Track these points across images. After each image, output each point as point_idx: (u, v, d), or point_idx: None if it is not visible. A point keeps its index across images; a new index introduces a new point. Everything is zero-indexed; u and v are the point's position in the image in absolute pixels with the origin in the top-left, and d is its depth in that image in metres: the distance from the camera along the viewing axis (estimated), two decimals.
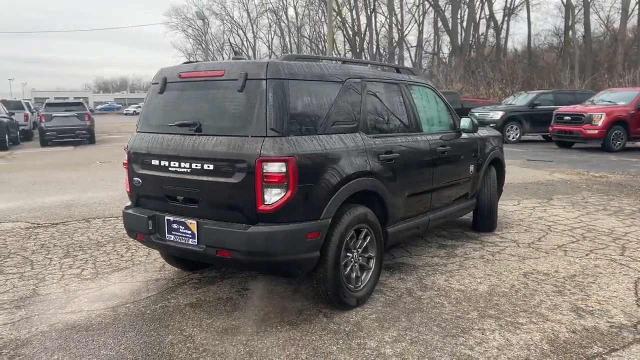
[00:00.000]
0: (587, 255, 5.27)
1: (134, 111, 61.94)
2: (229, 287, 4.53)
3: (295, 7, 59.16)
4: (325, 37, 49.76)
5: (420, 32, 48.63)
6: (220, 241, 3.63)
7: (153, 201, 4.09)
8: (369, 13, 48.58)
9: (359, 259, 4.09)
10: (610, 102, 16.08)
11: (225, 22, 65.95)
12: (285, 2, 59.54)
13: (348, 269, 3.98)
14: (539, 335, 3.57)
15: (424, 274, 4.78)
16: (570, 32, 38.98)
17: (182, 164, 3.81)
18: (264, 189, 3.48)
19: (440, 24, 44.62)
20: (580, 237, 5.93)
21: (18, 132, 21.22)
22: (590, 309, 3.99)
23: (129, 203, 4.38)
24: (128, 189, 4.32)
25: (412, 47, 50.56)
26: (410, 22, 50.14)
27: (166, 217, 3.93)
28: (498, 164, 6.33)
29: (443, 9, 42.93)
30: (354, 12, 50.06)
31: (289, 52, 59.61)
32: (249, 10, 63.57)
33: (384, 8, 48.92)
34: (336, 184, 3.74)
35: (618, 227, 6.37)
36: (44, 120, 19.48)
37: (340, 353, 3.36)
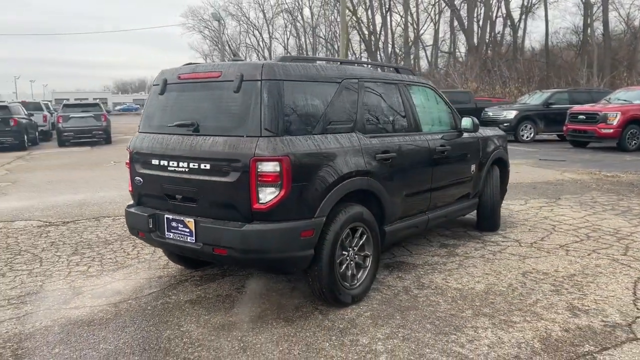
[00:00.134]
0: (589, 254, 5.26)
1: None
2: (229, 284, 4.61)
3: (310, 8, 59.28)
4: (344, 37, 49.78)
5: (437, 31, 48.39)
6: (217, 239, 3.71)
7: (153, 200, 4.19)
8: (384, 13, 48.45)
9: (355, 257, 4.14)
10: (625, 100, 15.87)
11: (241, 23, 66.32)
12: (300, 3, 59.68)
13: (343, 267, 4.03)
14: (531, 333, 3.59)
15: (422, 272, 4.82)
16: (588, 30, 38.48)
17: (181, 164, 3.90)
18: (258, 188, 3.56)
19: (456, 22, 44.34)
20: (584, 237, 5.90)
21: (37, 133, 21.66)
22: (586, 308, 3.99)
23: (131, 202, 4.49)
24: (130, 188, 4.43)
25: (427, 46, 50.34)
26: (426, 21, 49.96)
27: (166, 216, 4.03)
28: (502, 164, 6.32)
29: (459, 7, 42.64)
30: (369, 11, 49.96)
31: (305, 52, 59.85)
32: (265, 11, 63.85)
33: (400, 7, 48.80)
34: (330, 183, 3.80)
35: (624, 227, 6.33)
36: (62, 121, 19.84)
37: (332, 349, 3.42)
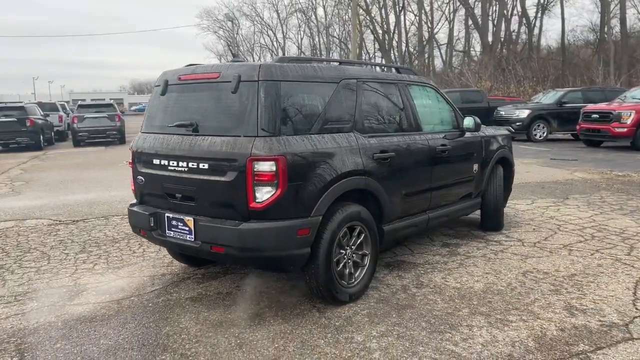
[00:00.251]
0: (592, 254, 5.23)
1: None
2: (230, 282, 4.68)
3: (324, 7, 59.35)
4: (356, 37, 49.73)
5: (451, 30, 48.16)
6: (215, 237, 3.78)
7: (155, 199, 4.27)
8: (397, 12, 48.31)
9: (352, 256, 4.17)
10: None
11: (255, 23, 66.59)
12: (314, 2, 59.76)
13: (341, 265, 4.07)
14: (526, 332, 3.60)
15: (422, 271, 4.84)
16: (605, 28, 37.98)
17: (180, 163, 3.97)
18: (255, 187, 3.61)
19: (470, 21, 44.05)
20: (589, 237, 5.87)
21: (52, 133, 21.99)
22: (584, 307, 3.99)
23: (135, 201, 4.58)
24: (133, 187, 4.51)
25: (442, 45, 50.09)
26: (440, 19, 49.72)
27: (166, 214, 4.10)
28: (506, 164, 6.30)
29: (473, 5, 42.36)
30: (383, 10, 49.87)
31: (318, 52, 59.90)
32: (279, 11, 64.05)
33: (414, 6, 48.64)
34: (327, 182, 3.84)
35: (630, 227, 6.27)
36: (76, 121, 20.12)
37: (327, 346, 3.46)
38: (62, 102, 30.89)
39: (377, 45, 52.85)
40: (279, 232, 3.67)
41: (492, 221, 6.07)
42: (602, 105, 16.07)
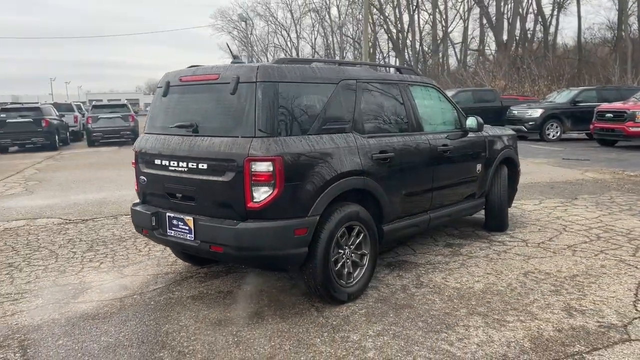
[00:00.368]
0: (596, 255, 5.20)
1: None
2: (232, 281, 4.73)
3: (338, 7, 59.33)
4: (369, 36, 49.68)
5: (465, 29, 47.84)
6: (213, 237, 3.83)
7: (156, 198, 4.34)
8: (411, 11, 48.14)
9: (351, 256, 4.20)
10: None
11: (269, 23, 66.81)
12: (328, 2, 59.81)
13: (339, 264, 4.10)
14: (522, 332, 3.60)
15: (423, 271, 4.85)
16: (623, 26, 37.44)
17: (181, 164, 4.03)
18: (252, 187, 3.66)
19: (485, 20, 43.73)
20: (594, 238, 5.82)
21: (68, 133, 22.30)
22: (583, 308, 3.97)
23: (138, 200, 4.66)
24: (136, 187, 4.59)
25: (456, 44, 49.80)
26: (454, 18, 49.42)
27: (167, 214, 4.16)
28: (511, 164, 6.27)
29: (487, 4, 42.03)
30: (397, 10, 49.72)
31: (332, 52, 59.88)
32: (292, 11, 64.21)
33: (428, 5, 48.42)
34: (324, 182, 3.88)
35: (638, 227, 6.21)
36: (91, 121, 20.40)
37: (322, 345, 3.50)
38: (78, 103, 31.29)
39: (390, 45, 52.72)
40: (276, 232, 3.71)
41: (497, 221, 6.06)
42: (616, 104, 15.88)
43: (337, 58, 56.12)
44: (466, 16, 47.75)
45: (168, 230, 4.17)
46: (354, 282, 4.21)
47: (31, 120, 18.95)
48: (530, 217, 6.85)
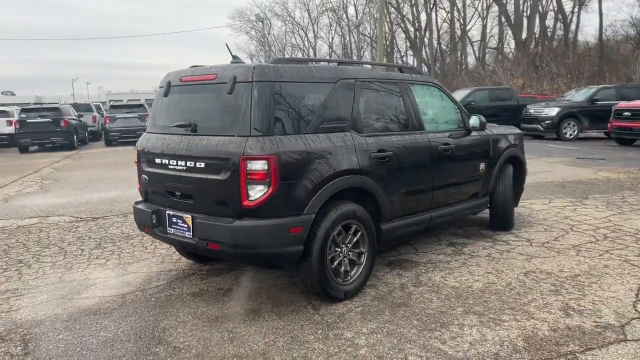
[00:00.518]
0: (600, 255, 5.14)
1: None
2: (233, 278, 4.79)
3: (355, 6, 59.20)
4: (386, 35, 49.54)
5: (484, 27, 47.37)
6: (210, 234, 3.89)
7: (157, 197, 4.41)
8: (429, 10, 47.82)
9: (348, 254, 4.22)
10: None
11: (287, 23, 66.96)
12: (345, 1, 59.68)
13: (336, 263, 4.12)
14: (517, 332, 3.58)
15: (423, 270, 4.84)
16: None
17: (179, 162, 4.09)
18: (247, 186, 3.71)
19: (504, 18, 43.25)
20: (601, 237, 5.76)
21: (86, 133, 22.68)
22: (582, 308, 3.94)
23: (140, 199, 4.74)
24: (139, 186, 4.67)
25: (474, 42, 49.33)
26: (472, 16, 48.96)
27: (167, 212, 4.23)
28: (517, 163, 6.23)
29: (505, 2, 41.56)
30: (414, 8, 49.45)
31: (349, 51, 59.80)
32: (310, 10, 64.25)
33: (446, 3, 48.07)
34: (320, 181, 3.90)
35: None
36: (108, 121, 20.73)
37: (316, 342, 3.53)
38: (97, 103, 31.80)
39: (408, 44, 52.46)
40: (271, 230, 3.75)
41: (501, 221, 6.02)
42: (635, 103, 15.61)
43: (355, 57, 56.04)
44: (485, 14, 47.28)
45: (168, 228, 4.24)
46: (351, 280, 4.23)
47: (50, 120, 19.32)
48: (537, 217, 6.79)
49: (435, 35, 49.29)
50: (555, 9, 41.75)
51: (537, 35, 41.42)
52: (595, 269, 4.76)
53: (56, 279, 4.93)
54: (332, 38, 65.31)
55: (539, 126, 17.92)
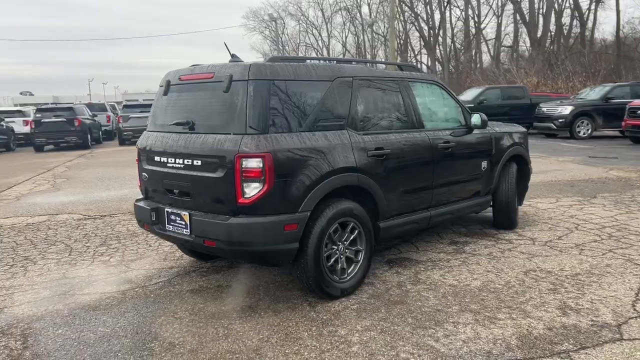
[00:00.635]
0: (603, 254, 5.09)
1: None
2: (232, 275, 4.83)
3: (369, 4, 59.03)
4: (400, 34, 49.36)
5: (499, 25, 46.98)
6: (207, 231, 3.93)
7: (156, 194, 4.47)
8: (442, 8, 47.53)
9: (345, 252, 4.23)
10: None
11: (300, 22, 66.98)
12: (359, 0, 59.55)
13: (332, 260, 4.13)
14: (511, 330, 3.57)
15: (422, 268, 4.84)
16: None
17: (177, 160, 4.14)
18: (243, 183, 3.73)
19: (519, 16, 42.84)
20: (605, 236, 5.69)
21: (100, 133, 22.95)
22: (579, 307, 3.90)
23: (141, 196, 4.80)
24: (139, 183, 4.73)
25: (489, 40, 48.93)
26: (487, 14, 48.57)
27: (166, 209, 4.28)
28: (521, 161, 6.18)
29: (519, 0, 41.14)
30: (428, 7, 49.19)
31: (363, 50, 59.70)
32: (323, 10, 64.17)
33: (460, 2, 47.75)
34: (316, 179, 3.92)
35: None
36: (122, 121, 20.96)
37: (309, 338, 3.54)
38: (112, 103, 32.15)
39: (422, 42, 52.22)
40: (266, 227, 3.77)
41: (504, 219, 5.98)
42: None
43: (368, 56, 55.94)
44: (500, 12, 46.88)
45: (166, 225, 4.29)
46: (348, 278, 4.24)
47: (65, 120, 19.60)
48: (542, 216, 6.74)
49: (449, 33, 49.00)
50: (572, 6, 41.27)
51: (552, 33, 40.96)
52: (597, 267, 4.72)
53: (60, 276, 5.01)
54: (346, 37, 65.15)
55: (552, 125, 17.74)
